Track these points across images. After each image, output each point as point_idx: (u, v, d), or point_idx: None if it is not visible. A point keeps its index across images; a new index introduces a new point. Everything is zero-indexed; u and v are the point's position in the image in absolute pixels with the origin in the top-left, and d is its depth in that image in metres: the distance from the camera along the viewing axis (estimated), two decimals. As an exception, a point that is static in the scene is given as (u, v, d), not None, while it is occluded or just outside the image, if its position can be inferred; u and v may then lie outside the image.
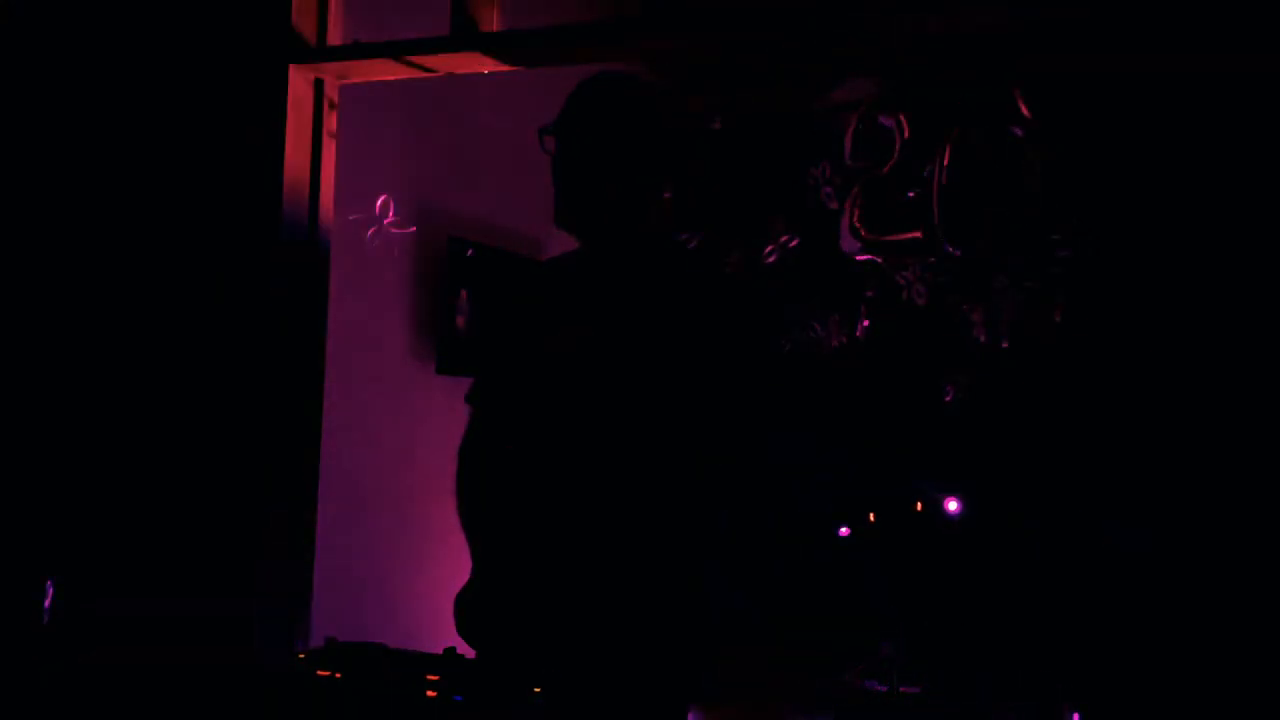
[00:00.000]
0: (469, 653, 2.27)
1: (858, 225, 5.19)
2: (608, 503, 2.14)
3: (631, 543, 2.13)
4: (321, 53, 3.57)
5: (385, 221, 4.10)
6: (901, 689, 4.75)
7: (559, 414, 2.19)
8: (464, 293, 4.42)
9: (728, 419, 2.15)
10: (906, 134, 5.13)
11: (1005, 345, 5.02)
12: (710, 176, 5.58)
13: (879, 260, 5.14)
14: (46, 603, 2.98)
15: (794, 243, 5.31)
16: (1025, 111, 4.89)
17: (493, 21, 3.39)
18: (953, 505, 5.17)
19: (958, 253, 5.02)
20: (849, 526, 5.34)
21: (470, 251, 4.42)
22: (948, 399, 5.13)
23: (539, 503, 2.21)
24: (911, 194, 5.12)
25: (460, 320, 4.42)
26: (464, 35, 3.37)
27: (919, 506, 5.14)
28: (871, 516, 5.30)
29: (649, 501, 2.13)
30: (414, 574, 4.18)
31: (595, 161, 2.23)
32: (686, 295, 2.20)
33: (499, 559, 2.24)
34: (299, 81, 3.53)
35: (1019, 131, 4.91)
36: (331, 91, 3.62)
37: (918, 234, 5.08)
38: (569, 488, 2.18)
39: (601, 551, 2.14)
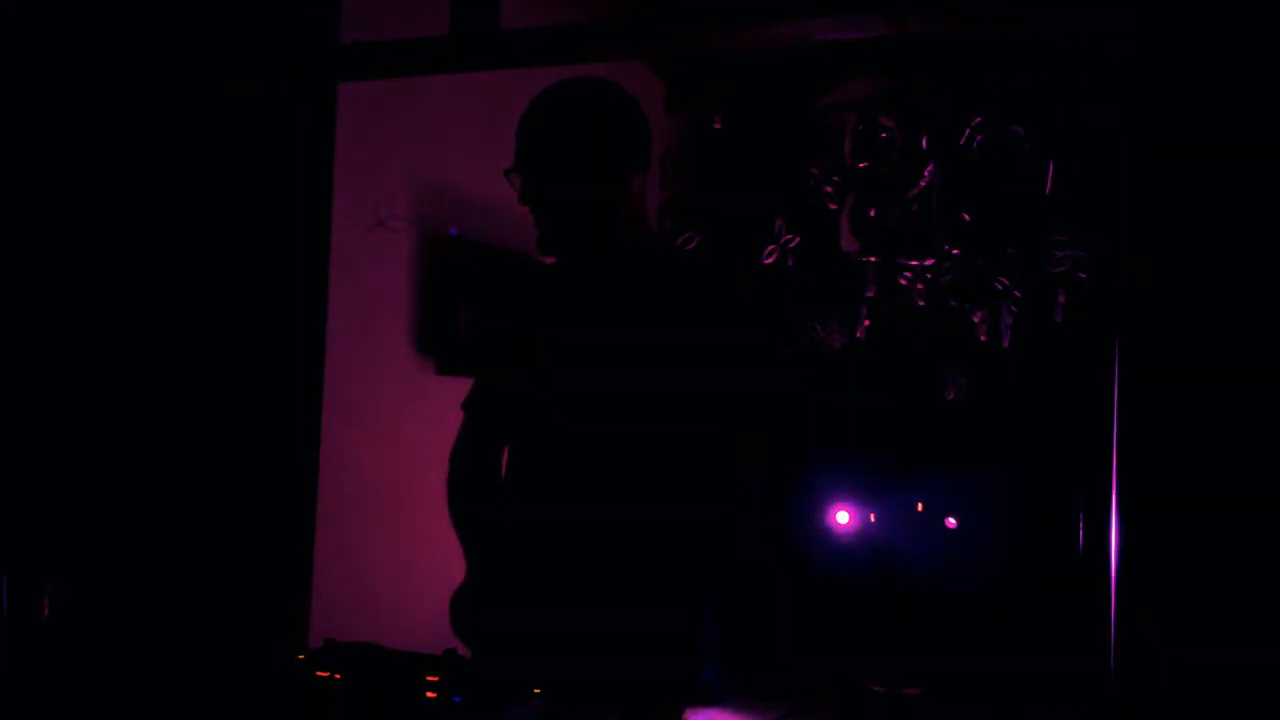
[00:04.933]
0: (469, 653, 2.28)
1: (858, 225, 5.20)
2: (608, 507, 2.15)
3: (630, 546, 2.13)
4: (328, 53, 3.57)
5: (387, 221, 4.10)
6: (901, 690, 4.75)
7: (560, 419, 2.19)
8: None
9: (725, 423, 2.15)
10: (907, 134, 5.13)
11: (1006, 345, 5.02)
12: (710, 176, 5.59)
13: (879, 260, 5.15)
14: (46, 602, 2.98)
15: (794, 243, 5.31)
16: (1026, 112, 4.90)
17: (493, 21, 3.38)
18: (951, 520, 5.18)
19: (958, 253, 5.02)
20: (848, 523, 5.34)
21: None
22: (948, 399, 5.13)
23: (535, 506, 2.21)
24: (912, 194, 5.13)
25: (460, 321, 4.42)
26: (464, 35, 3.37)
27: (920, 507, 5.15)
28: (872, 517, 5.30)
29: (648, 504, 2.13)
30: (414, 574, 4.18)
31: (564, 185, 2.19)
32: (681, 302, 2.18)
33: (493, 561, 2.24)
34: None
35: (1020, 131, 4.92)
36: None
37: (917, 234, 5.09)
38: (567, 491, 2.18)
39: (599, 553, 2.14)
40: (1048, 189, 4.89)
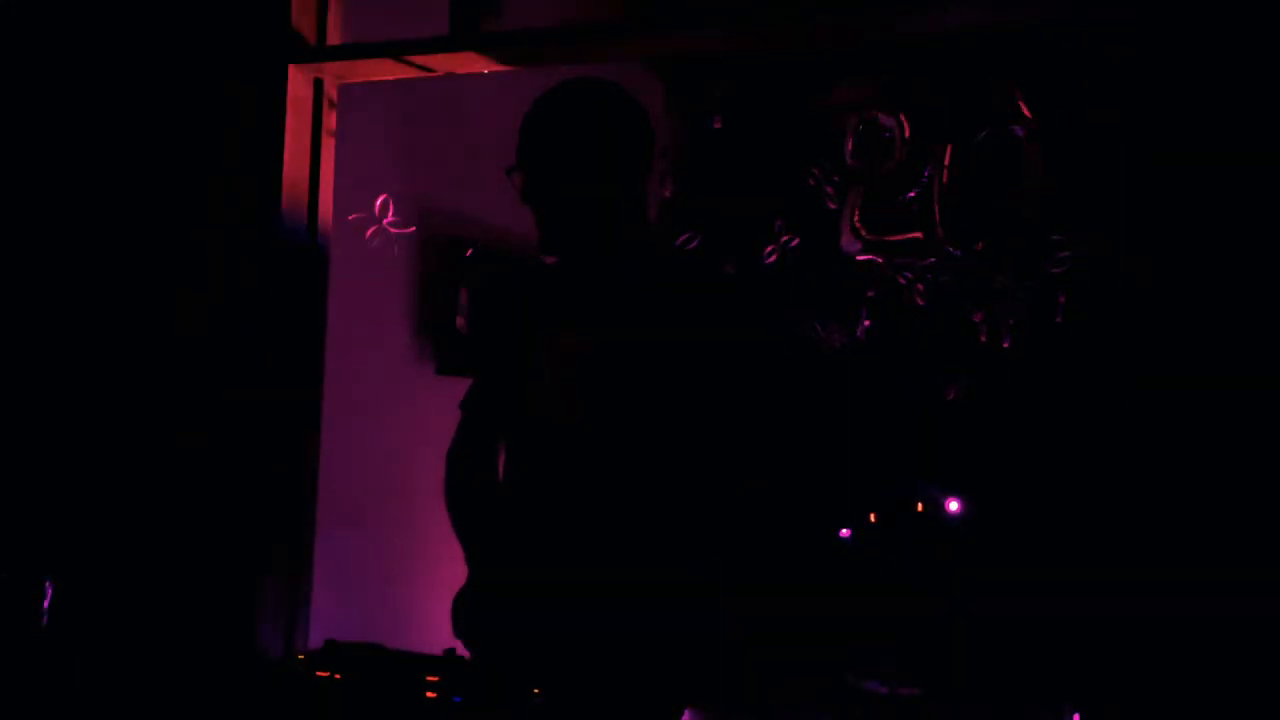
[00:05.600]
0: (469, 654, 2.27)
1: (858, 225, 5.20)
2: (607, 506, 2.15)
3: (632, 545, 2.13)
4: (321, 52, 3.57)
5: (385, 221, 4.10)
6: (901, 691, 4.75)
7: (557, 421, 2.19)
8: (464, 293, 4.42)
9: (722, 423, 2.15)
10: (907, 134, 5.13)
11: (1006, 345, 5.02)
12: (710, 176, 5.59)
13: (879, 260, 5.15)
14: (46, 603, 2.98)
15: (794, 243, 5.31)
16: (1026, 111, 4.89)
17: (493, 21, 3.38)
18: (953, 505, 5.17)
19: (958, 253, 5.02)
20: (850, 527, 5.34)
21: (470, 251, 4.42)
22: (948, 399, 5.13)
23: (535, 506, 2.21)
24: (912, 194, 5.13)
25: (460, 320, 4.42)
26: (464, 35, 3.37)
27: (920, 507, 5.14)
28: (873, 517, 5.30)
29: (648, 505, 2.13)
30: (414, 574, 4.18)
31: (568, 185, 2.19)
32: (681, 302, 2.19)
33: (493, 562, 2.24)
34: (299, 81, 3.52)
35: (1020, 131, 4.91)
36: (331, 90, 3.62)
37: (918, 234, 5.09)
38: (567, 492, 2.18)
39: (600, 554, 2.14)
40: (1047, 189, 4.89)
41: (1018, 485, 5.20)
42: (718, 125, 5.56)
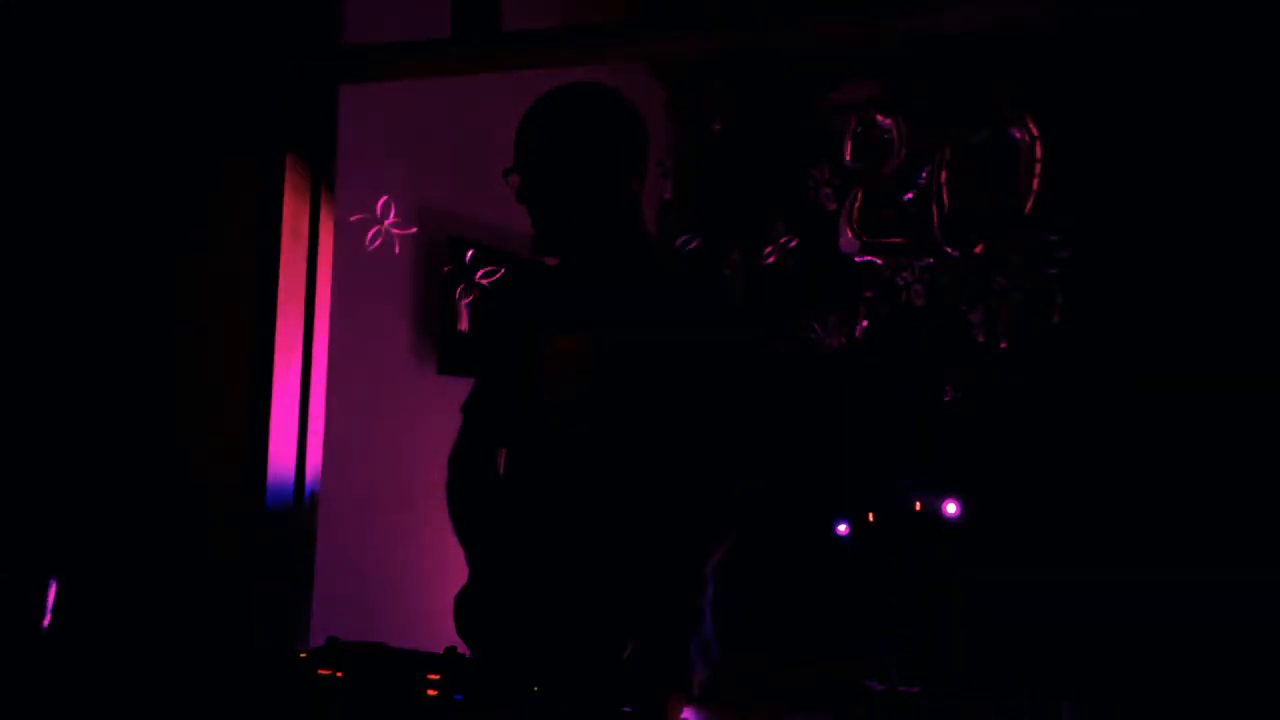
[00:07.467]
0: (469, 653, 2.29)
1: (857, 226, 5.21)
2: (607, 507, 2.16)
3: (625, 545, 2.14)
4: (327, 53, 3.57)
5: (386, 222, 4.11)
6: (901, 689, 4.76)
7: (557, 422, 2.20)
8: (465, 293, 4.43)
9: (721, 424, 2.16)
10: (906, 135, 5.14)
11: (1004, 345, 5.03)
12: (710, 177, 5.60)
13: (878, 261, 5.16)
14: (50, 602, 2.99)
15: (794, 243, 5.32)
16: (1025, 112, 4.91)
17: (494, 22, 3.39)
18: (951, 508, 5.18)
19: (957, 253, 5.03)
20: (848, 526, 5.35)
21: (471, 251, 4.43)
22: (947, 399, 5.14)
23: (533, 507, 2.22)
24: (911, 194, 5.14)
25: (461, 320, 4.43)
26: (465, 35, 3.37)
27: (918, 507, 5.16)
28: (871, 516, 5.31)
29: (648, 506, 2.14)
30: (415, 573, 4.19)
31: (563, 187, 2.21)
32: (680, 303, 2.20)
33: (494, 562, 2.26)
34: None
35: (1018, 132, 4.92)
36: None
37: (917, 235, 5.10)
38: (563, 491, 2.19)
39: (595, 553, 2.16)
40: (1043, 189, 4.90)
41: (1016, 485, 5.22)
42: (716, 127, 5.58)
